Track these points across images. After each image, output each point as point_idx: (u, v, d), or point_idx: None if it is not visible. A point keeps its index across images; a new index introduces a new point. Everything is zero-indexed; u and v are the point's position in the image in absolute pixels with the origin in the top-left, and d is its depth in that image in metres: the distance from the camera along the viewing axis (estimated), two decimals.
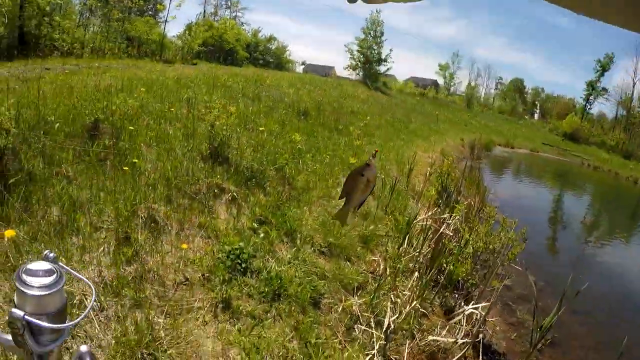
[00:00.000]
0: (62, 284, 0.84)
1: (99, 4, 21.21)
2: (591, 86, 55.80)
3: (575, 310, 5.59)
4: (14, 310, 0.79)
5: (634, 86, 55.12)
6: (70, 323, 0.85)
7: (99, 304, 2.67)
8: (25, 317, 0.78)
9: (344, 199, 1.19)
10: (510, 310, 5.31)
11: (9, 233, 2.62)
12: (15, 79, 6.33)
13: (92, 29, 21.37)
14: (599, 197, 21.36)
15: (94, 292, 0.99)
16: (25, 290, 0.79)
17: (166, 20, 27.08)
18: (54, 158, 3.86)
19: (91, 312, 2.58)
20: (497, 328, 4.72)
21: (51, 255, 0.86)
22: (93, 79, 7.12)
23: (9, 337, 0.83)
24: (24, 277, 0.80)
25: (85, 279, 0.98)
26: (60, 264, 0.88)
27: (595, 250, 10.15)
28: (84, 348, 0.85)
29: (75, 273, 0.97)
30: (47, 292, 0.80)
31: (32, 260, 0.84)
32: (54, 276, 0.82)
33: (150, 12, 31.04)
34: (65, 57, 14.62)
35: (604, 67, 53.47)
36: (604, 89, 56.09)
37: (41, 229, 2.99)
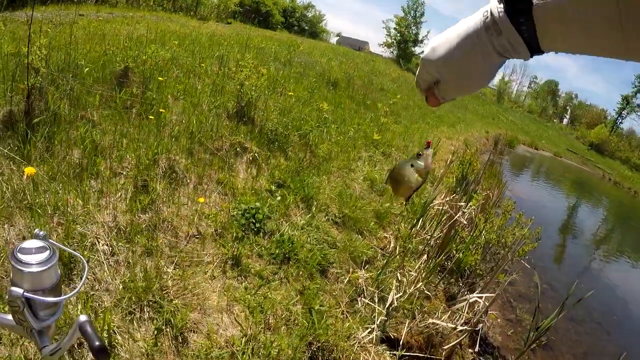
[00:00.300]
0: (56, 259, 0.87)
1: None
2: (626, 100, 54.41)
3: (574, 318, 5.62)
4: (13, 288, 0.83)
5: None
6: (66, 296, 0.90)
7: (110, 247, 2.70)
8: (24, 294, 0.83)
9: (390, 186, 1.12)
10: (511, 307, 5.33)
11: (29, 170, 2.65)
12: (49, 22, 6.34)
13: None
14: (614, 213, 20.98)
15: (86, 267, 1.04)
16: (22, 268, 0.83)
17: None
18: (81, 101, 3.87)
19: (102, 256, 2.61)
20: (497, 321, 4.73)
21: (41, 233, 0.90)
22: (126, 28, 7.12)
23: (9, 316, 0.88)
24: (19, 255, 0.84)
25: (77, 253, 1.02)
26: (51, 240, 0.91)
27: (602, 265, 10.10)
28: (82, 317, 0.87)
29: (66, 248, 1.02)
30: (43, 268, 0.84)
31: (26, 240, 0.87)
32: (48, 252, 0.86)
33: None
34: (100, 4, 14.66)
35: None
36: (639, 106, 54.63)
37: (61, 170, 3.02)
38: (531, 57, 0.67)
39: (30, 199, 2.67)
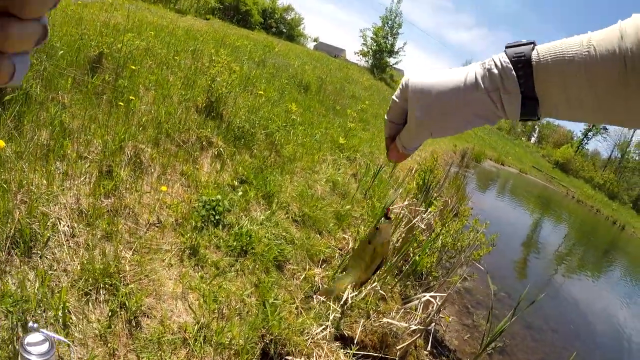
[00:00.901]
0: (54, 351, 1.20)
1: None
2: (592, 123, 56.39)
3: (531, 326, 5.87)
4: None
5: (633, 132, 55.96)
6: None
7: (71, 229, 2.77)
8: None
9: (346, 270, 0.97)
10: (468, 313, 5.52)
11: None
12: None
13: None
14: (575, 229, 21.82)
15: (72, 351, 1.34)
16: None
17: None
18: (53, 83, 3.90)
19: (62, 237, 2.68)
20: (453, 326, 4.91)
21: (35, 325, 1.24)
22: (104, 15, 7.10)
23: None
24: (28, 348, 1.16)
25: (65, 340, 1.30)
26: (43, 330, 1.23)
27: (562, 277, 10.58)
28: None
29: (59, 337, 1.38)
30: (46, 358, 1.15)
31: (29, 333, 1.20)
32: (48, 345, 1.18)
33: None
34: None
35: None
36: (605, 128, 57.13)
37: (28, 149, 3.07)
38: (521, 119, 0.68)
39: None
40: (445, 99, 0.68)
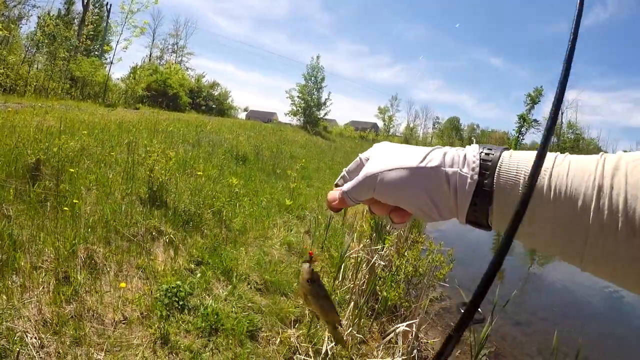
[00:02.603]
0: None
1: (46, 41, 20.99)
2: (522, 119, 59.15)
3: (518, 322, 6.00)
4: None
5: (562, 115, 59.06)
6: None
7: (39, 341, 2.77)
8: None
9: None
10: None
11: None
12: None
13: (37, 66, 21.13)
14: None
15: None
16: None
17: (112, 62, 26.71)
18: None
19: (32, 349, 2.68)
20: (439, 348, 4.96)
21: None
22: (36, 119, 7.14)
23: None
24: None
25: None
26: None
27: (537, 269, 10.74)
28: None
29: None
30: None
31: None
32: None
33: (96, 53, 30.86)
34: (8, 94, 14.36)
35: (533, 101, 57.24)
36: (535, 121, 59.45)
37: None
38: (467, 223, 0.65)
39: None
40: (401, 162, 0.67)
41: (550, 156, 0.59)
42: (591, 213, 0.52)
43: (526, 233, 0.59)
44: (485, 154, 0.63)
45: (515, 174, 0.59)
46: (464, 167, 0.63)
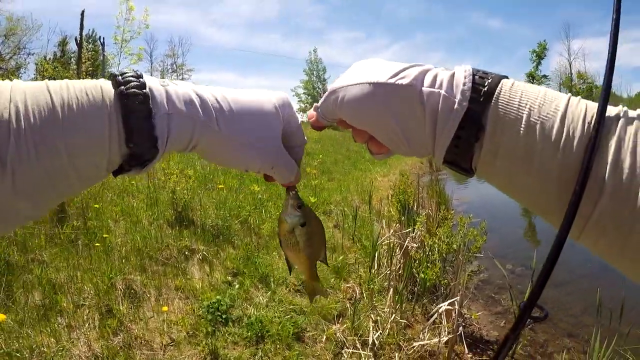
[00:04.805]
0: None
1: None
2: (531, 76, 57.89)
3: (560, 283, 5.83)
4: None
5: (570, 66, 58.22)
6: None
7: None
8: None
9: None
10: (494, 301, 5.46)
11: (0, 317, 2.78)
12: None
13: None
14: None
15: None
16: None
17: None
18: (27, 245, 4.00)
19: None
20: (484, 321, 4.91)
21: None
22: None
23: None
24: None
25: None
26: None
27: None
28: None
29: None
30: None
31: None
32: None
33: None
34: None
35: (539, 56, 55.76)
36: (544, 76, 58.21)
37: (26, 313, 3.14)
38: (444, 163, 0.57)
39: (4, 347, 2.78)
40: (368, 76, 0.56)
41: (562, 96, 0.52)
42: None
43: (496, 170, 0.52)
44: (480, 77, 0.52)
45: (517, 106, 0.49)
46: (450, 89, 0.52)
